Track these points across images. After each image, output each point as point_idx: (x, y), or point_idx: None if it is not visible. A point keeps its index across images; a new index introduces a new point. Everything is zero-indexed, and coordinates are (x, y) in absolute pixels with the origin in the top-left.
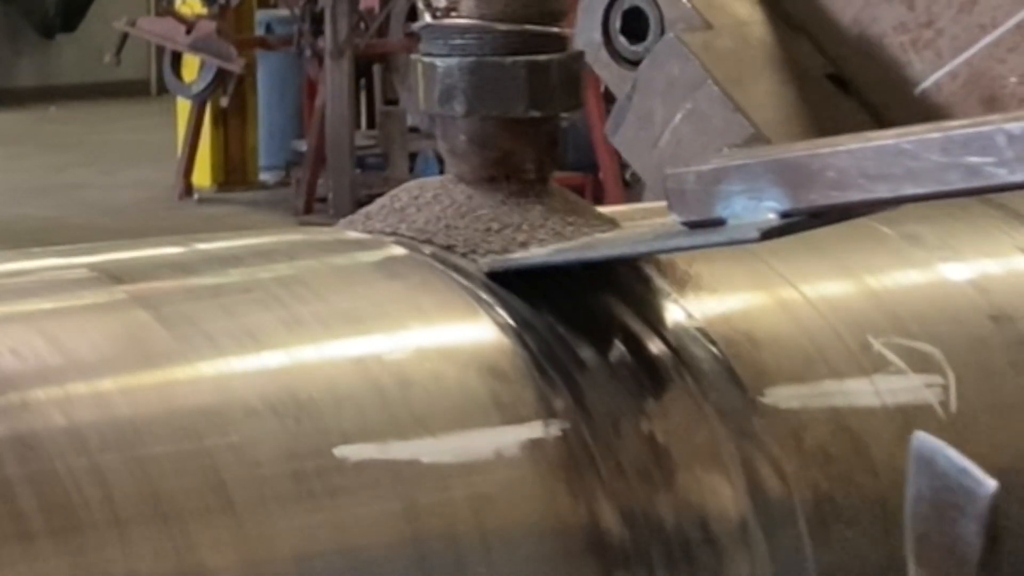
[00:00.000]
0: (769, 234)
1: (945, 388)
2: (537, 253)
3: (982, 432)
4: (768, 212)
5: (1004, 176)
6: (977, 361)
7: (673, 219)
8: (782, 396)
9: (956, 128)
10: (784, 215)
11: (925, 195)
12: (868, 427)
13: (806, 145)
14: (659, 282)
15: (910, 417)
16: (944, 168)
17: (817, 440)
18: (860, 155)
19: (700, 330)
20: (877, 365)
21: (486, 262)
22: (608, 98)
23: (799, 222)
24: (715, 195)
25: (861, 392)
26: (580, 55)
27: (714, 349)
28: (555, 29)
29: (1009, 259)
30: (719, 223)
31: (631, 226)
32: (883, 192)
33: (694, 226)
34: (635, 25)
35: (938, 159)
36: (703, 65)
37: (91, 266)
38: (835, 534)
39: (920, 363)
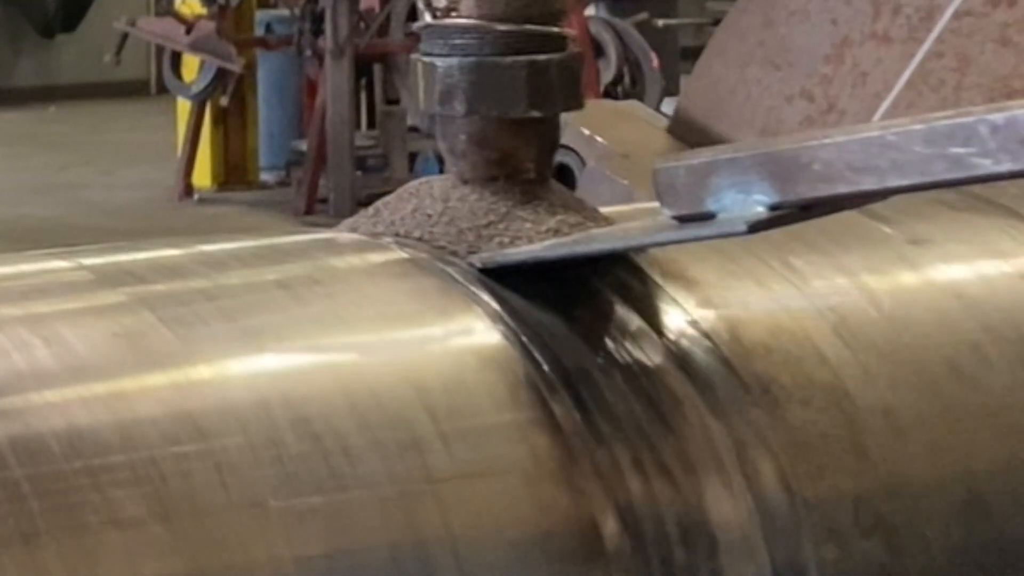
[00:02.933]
0: (757, 227)
1: (872, 289)
2: (529, 249)
3: (919, 329)
4: (756, 205)
5: (988, 166)
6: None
7: (664, 213)
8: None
9: (940, 119)
10: (773, 208)
11: (910, 187)
12: (801, 326)
13: (794, 138)
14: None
15: (844, 320)
16: (928, 159)
17: (755, 337)
18: (846, 147)
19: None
20: (804, 278)
21: (478, 258)
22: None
23: (787, 215)
24: (705, 189)
25: (789, 296)
26: (580, 55)
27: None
28: (555, 29)
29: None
30: (709, 217)
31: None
32: (869, 184)
33: (684, 220)
34: (560, 182)
35: (922, 150)
36: (627, 180)
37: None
38: (791, 414)
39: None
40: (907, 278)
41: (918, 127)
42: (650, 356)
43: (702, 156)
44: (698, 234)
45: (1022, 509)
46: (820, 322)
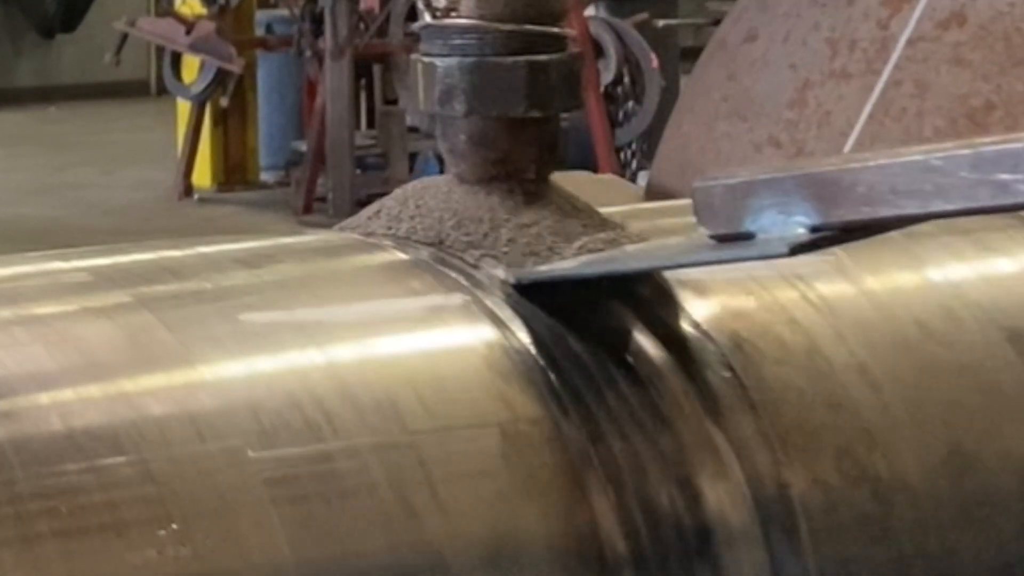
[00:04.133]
0: (798, 249)
1: (840, 262)
2: (563, 265)
3: (888, 292)
4: (797, 227)
5: None
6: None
7: (701, 231)
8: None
9: (987, 145)
10: (814, 230)
11: (955, 212)
12: (770, 292)
13: (837, 160)
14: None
15: (811, 286)
16: (974, 185)
17: (723, 300)
18: (890, 171)
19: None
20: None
21: (513, 274)
22: (608, 98)
23: (829, 237)
24: (744, 209)
25: (755, 267)
26: (580, 55)
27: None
28: (555, 29)
29: None
30: (748, 237)
31: (649, 231)
32: (912, 208)
33: (722, 239)
34: None
35: (968, 176)
36: None
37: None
38: (766, 372)
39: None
40: (874, 250)
41: (964, 152)
42: (621, 321)
43: (741, 175)
44: (738, 255)
45: (1004, 461)
46: (788, 289)
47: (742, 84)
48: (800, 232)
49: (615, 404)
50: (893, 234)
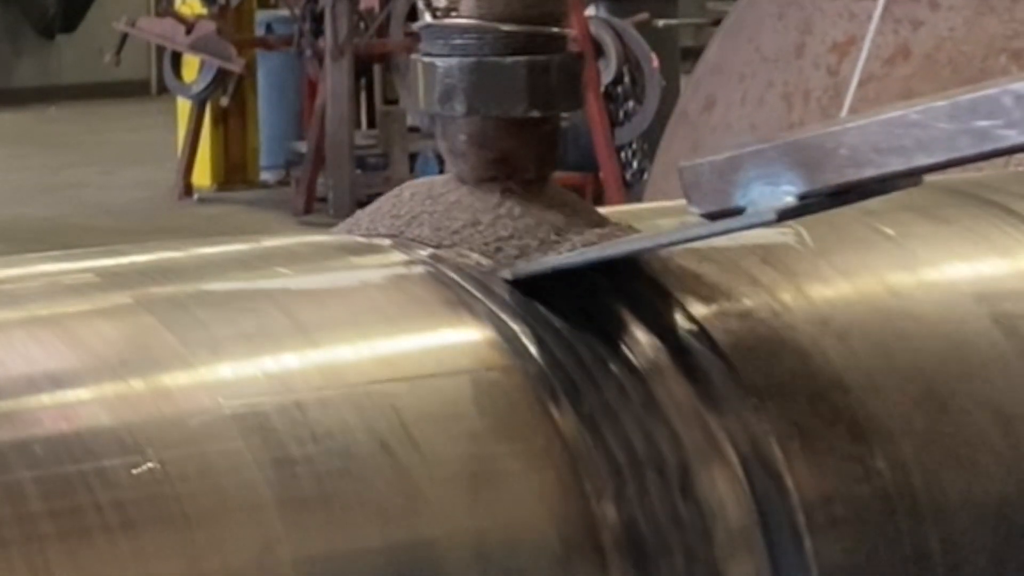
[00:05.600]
0: (786, 215)
1: (798, 233)
2: (559, 257)
3: (849, 257)
4: (785, 196)
5: (1014, 137)
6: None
7: (692, 212)
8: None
9: (963, 93)
10: (802, 197)
11: (938, 164)
12: (729, 258)
13: (819, 125)
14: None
15: (770, 251)
16: (953, 135)
17: (684, 265)
18: (870, 130)
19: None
20: None
21: (509, 270)
22: (608, 98)
23: (818, 202)
24: (732, 184)
25: (716, 239)
26: (580, 55)
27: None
28: (555, 29)
29: None
30: (737, 212)
31: (644, 225)
32: (896, 165)
33: (713, 217)
34: None
35: (947, 126)
36: None
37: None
38: (730, 325)
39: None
40: (832, 224)
41: (941, 103)
42: (601, 301)
43: (726, 152)
44: (727, 227)
45: (980, 404)
46: (748, 255)
47: (707, 153)
48: (788, 200)
49: (587, 357)
50: (850, 213)
